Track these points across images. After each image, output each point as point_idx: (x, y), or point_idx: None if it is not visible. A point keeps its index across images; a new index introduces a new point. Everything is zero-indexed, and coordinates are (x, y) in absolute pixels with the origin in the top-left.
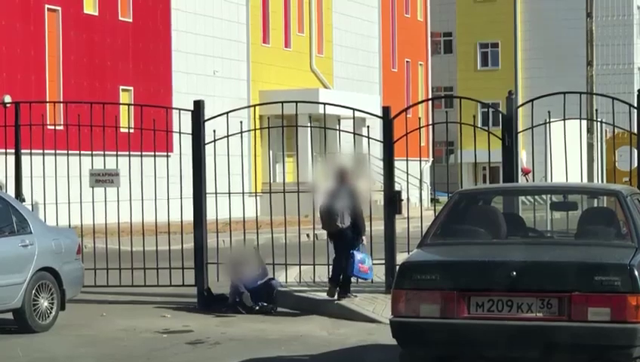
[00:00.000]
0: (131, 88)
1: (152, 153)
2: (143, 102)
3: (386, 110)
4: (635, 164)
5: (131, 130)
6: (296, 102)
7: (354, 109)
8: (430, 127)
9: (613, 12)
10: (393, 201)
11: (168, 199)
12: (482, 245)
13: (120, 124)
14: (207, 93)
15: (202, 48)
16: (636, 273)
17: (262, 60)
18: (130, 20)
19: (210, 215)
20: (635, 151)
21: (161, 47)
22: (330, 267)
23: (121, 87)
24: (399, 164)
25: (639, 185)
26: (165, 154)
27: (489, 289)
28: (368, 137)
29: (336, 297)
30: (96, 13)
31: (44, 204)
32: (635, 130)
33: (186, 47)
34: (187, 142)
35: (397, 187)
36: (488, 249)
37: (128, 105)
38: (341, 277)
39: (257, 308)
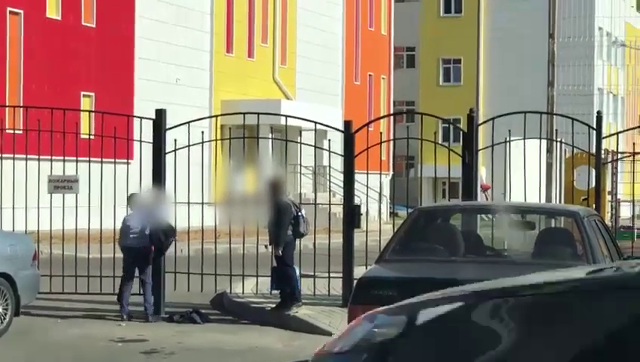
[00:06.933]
0: (93, 94)
1: (112, 160)
2: (105, 109)
3: (347, 124)
4: (593, 184)
5: (92, 137)
6: (258, 113)
7: (315, 122)
8: (391, 141)
9: (575, 33)
10: (353, 215)
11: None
12: (439, 263)
13: (80, 131)
14: (169, 101)
15: (165, 56)
16: None
17: (225, 70)
18: (94, 26)
19: None
20: (593, 171)
21: (124, 53)
22: None
23: (83, 93)
24: (359, 177)
25: (597, 205)
26: (125, 161)
27: None
28: (329, 150)
29: (292, 310)
30: (59, 18)
31: (1, 208)
32: (594, 151)
33: (149, 55)
34: (148, 149)
35: (356, 200)
36: (445, 267)
37: (89, 111)
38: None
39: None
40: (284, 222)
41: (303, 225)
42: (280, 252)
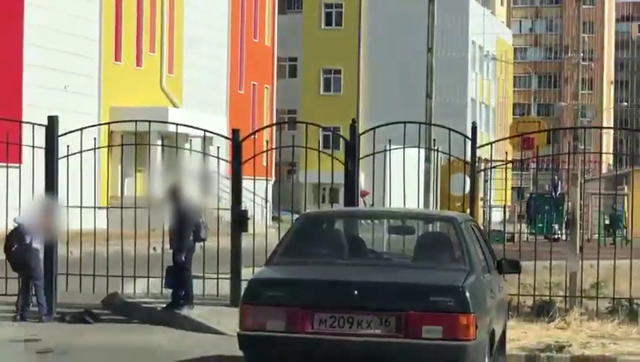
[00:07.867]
0: None
1: (5, 164)
2: None
3: (235, 133)
4: (468, 190)
5: None
6: (149, 121)
7: (205, 130)
8: (276, 149)
9: (451, 47)
10: (240, 220)
11: (20, 210)
12: (326, 265)
13: None
14: (59, 107)
15: (54, 63)
16: (467, 294)
17: (113, 77)
18: None
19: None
20: (468, 179)
21: (12, 59)
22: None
23: None
24: (245, 183)
25: (471, 210)
26: (17, 165)
27: (332, 307)
28: (218, 157)
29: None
30: None
31: None
32: (469, 159)
33: (38, 61)
34: (39, 154)
35: (242, 205)
36: (331, 269)
37: None
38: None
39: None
40: (187, 228)
41: (204, 230)
42: (183, 257)
